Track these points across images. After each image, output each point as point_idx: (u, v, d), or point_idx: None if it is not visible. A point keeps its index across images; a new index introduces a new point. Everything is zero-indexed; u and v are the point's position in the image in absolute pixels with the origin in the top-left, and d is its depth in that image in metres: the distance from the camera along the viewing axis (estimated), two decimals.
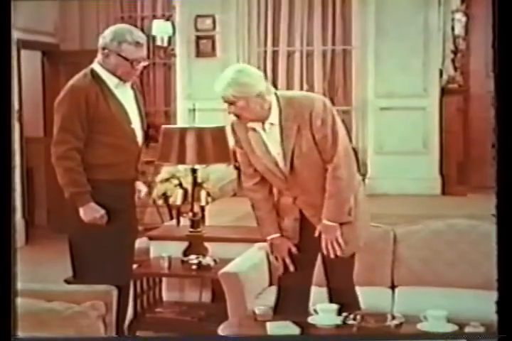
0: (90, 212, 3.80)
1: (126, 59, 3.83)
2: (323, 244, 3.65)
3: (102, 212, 3.81)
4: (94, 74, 3.87)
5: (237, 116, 3.65)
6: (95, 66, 3.90)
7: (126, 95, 3.95)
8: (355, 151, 7.67)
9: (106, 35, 3.87)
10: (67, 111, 3.80)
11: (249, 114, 3.59)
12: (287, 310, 3.73)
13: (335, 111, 3.66)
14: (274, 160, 3.65)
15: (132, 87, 4.02)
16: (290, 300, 3.77)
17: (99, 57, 3.90)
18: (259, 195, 3.75)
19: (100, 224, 3.81)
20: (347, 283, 3.80)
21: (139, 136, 3.98)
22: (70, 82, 3.88)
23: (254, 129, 3.65)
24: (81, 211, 3.80)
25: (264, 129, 3.63)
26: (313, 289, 3.87)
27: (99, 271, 3.79)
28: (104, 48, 3.86)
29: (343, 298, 3.70)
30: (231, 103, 3.59)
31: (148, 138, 4.18)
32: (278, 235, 3.76)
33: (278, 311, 3.73)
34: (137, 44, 3.86)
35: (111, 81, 3.88)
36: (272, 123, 3.60)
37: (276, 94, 3.63)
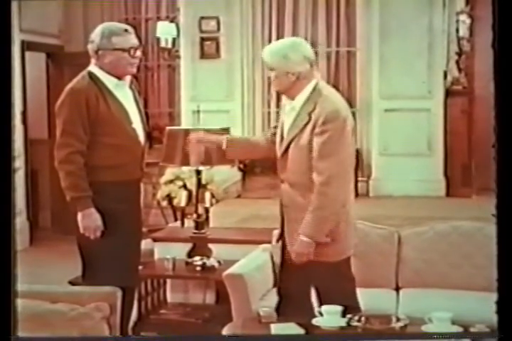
0: (87, 220, 3.79)
1: (123, 50, 3.85)
2: (292, 255, 3.59)
3: (99, 223, 3.80)
4: (92, 76, 3.88)
5: (271, 85, 3.73)
6: (92, 68, 3.91)
7: (125, 95, 3.96)
8: (359, 153, 7.69)
9: (93, 38, 3.89)
10: (68, 115, 3.80)
11: (276, 85, 3.66)
12: (289, 312, 3.73)
13: (350, 129, 3.58)
14: (280, 139, 3.69)
15: (131, 87, 4.02)
16: (291, 302, 3.77)
17: (94, 61, 3.91)
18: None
19: (95, 236, 3.81)
20: (333, 287, 3.67)
21: (141, 135, 3.98)
22: (69, 85, 3.89)
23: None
24: (79, 216, 3.80)
25: (286, 108, 3.69)
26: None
27: (107, 273, 3.79)
28: (97, 51, 3.87)
29: (333, 302, 3.61)
30: (270, 69, 3.64)
31: (151, 139, 4.18)
32: None
33: (280, 313, 3.73)
34: (125, 31, 3.89)
35: (109, 81, 3.89)
36: (293, 108, 3.64)
37: (317, 83, 3.63)
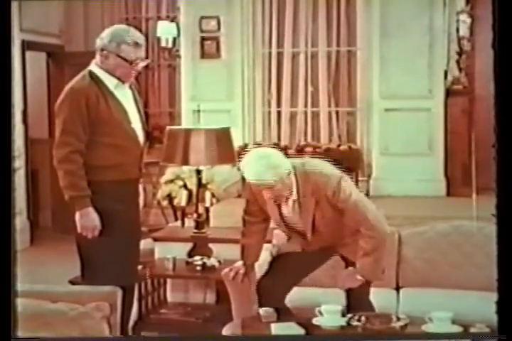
0: (85, 219, 3.79)
1: (125, 60, 3.84)
2: (340, 284, 3.85)
3: (97, 223, 3.80)
4: (92, 75, 3.87)
5: (274, 199, 3.76)
6: (93, 67, 3.91)
7: (125, 95, 3.95)
8: (361, 153, 7.70)
9: (104, 37, 3.87)
10: (68, 114, 3.80)
11: (287, 190, 3.71)
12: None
13: (350, 183, 3.80)
14: (294, 228, 3.86)
15: (130, 87, 4.02)
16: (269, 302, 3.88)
17: (97, 58, 3.90)
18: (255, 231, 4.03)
19: (92, 235, 3.81)
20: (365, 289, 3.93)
21: (140, 135, 3.98)
22: (69, 85, 3.88)
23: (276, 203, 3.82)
24: (77, 215, 3.80)
25: (286, 205, 3.79)
26: (318, 290, 3.88)
27: (106, 272, 3.79)
28: (102, 49, 3.86)
29: (360, 301, 3.85)
30: (269, 188, 3.66)
31: (151, 138, 4.18)
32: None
33: None
34: (136, 44, 3.85)
35: (110, 82, 3.88)
36: (294, 200, 3.76)
37: (295, 167, 3.75)
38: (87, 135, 3.80)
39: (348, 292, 3.89)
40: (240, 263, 4.06)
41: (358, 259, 3.74)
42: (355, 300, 3.85)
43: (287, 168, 3.66)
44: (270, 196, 3.72)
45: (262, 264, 4.61)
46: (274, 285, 3.88)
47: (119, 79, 3.89)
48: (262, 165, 3.63)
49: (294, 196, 3.74)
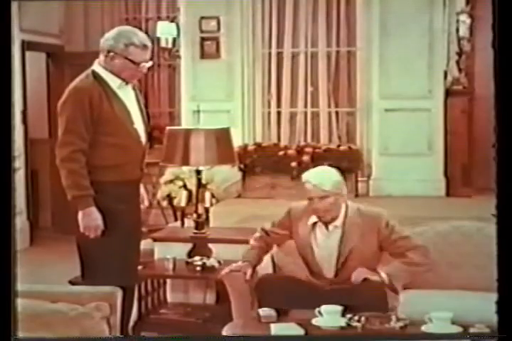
0: (88, 219, 3.78)
1: (133, 62, 3.83)
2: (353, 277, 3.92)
3: (100, 222, 3.79)
4: (96, 75, 3.86)
5: (320, 213, 3.92)
6: (96, 67, 3.90)
7: (128, 96, 3.95)
8: (360, 153, 7.71)
9: (110, 38, 3.84)
10: (71, 113, 3.79)
11: (335, 210, 3.92)
12: None
13: (393, 221, 4.04)
14: (318, 265, 3.98)
15: (133, 88, 4.02)
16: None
17: (102, 59, 3.88)
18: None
19: (95, 235, 3.81)
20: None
21: (142, 136, 3.98)
22: (73, 84, 3.87)
23: (315, 228, 3.98)
24: (80, 214, 3.79)
25: (327, 230, 3.97)
26: None
27: (106, 272, 3.79)
28: (109, 51, 3.84)
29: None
30: (322, 197, 3.87)
31: (151, 139, 4.19)
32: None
33: None
34: (144, 47, 3.85)
35: (113, 82, 3.88)
36: (336, 226, 3.93)
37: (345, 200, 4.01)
38: (89, 134, 3.80)
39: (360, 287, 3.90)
40: (239, 263, 4.08)
41: (393, 260, 3.95)
42: (360, 299, 3.82)
43: (344, 188, 3.96)
44: (319, 208, 3.87)
45: (264, 267, 4.62)
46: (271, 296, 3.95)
47: (123, 79, 3.89)
48: (324, 174, 3.96)
49: (338, 222, 3.90)
